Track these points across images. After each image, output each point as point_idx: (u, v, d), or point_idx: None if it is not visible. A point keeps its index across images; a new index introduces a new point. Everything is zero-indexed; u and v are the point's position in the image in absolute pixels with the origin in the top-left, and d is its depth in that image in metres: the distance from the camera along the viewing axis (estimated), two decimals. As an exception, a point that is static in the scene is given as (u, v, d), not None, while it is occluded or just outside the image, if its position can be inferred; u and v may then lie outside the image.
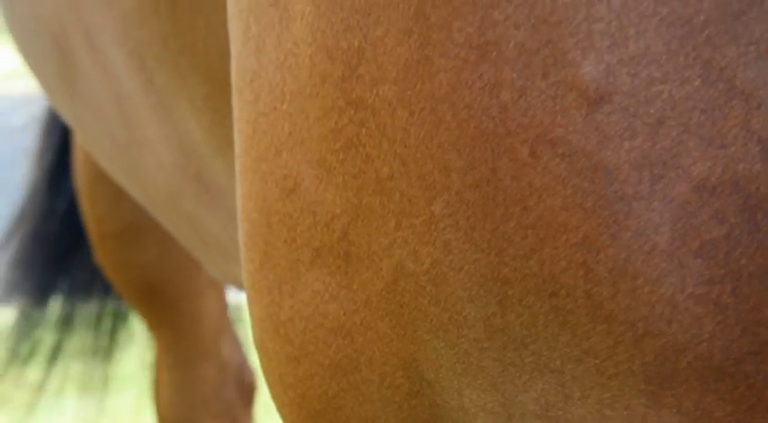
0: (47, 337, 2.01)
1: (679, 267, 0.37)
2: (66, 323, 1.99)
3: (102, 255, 1.69)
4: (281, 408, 0.51)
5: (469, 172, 0.39)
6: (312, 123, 0.45)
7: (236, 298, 2.04)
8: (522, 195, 0.39)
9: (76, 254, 1.92)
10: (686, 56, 0.36)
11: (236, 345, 1.83)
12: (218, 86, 0.75)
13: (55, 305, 1.98)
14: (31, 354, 2.03)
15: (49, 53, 1.00)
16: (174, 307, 1.73)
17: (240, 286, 1.12)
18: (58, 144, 1.85)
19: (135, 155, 0.97)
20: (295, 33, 0.45)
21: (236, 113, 0.51)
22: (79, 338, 2.01)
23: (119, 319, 2.01)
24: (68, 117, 1.11)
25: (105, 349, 2.02)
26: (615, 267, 0.38)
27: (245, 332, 2.01)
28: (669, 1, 0.36)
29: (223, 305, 1.79)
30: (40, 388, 2.05)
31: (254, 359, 2.02)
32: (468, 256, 0.40)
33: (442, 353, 0.43)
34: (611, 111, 0.37)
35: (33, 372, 2.06)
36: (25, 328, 2.01)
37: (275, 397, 0.51)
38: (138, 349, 2.11)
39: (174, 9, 0.73)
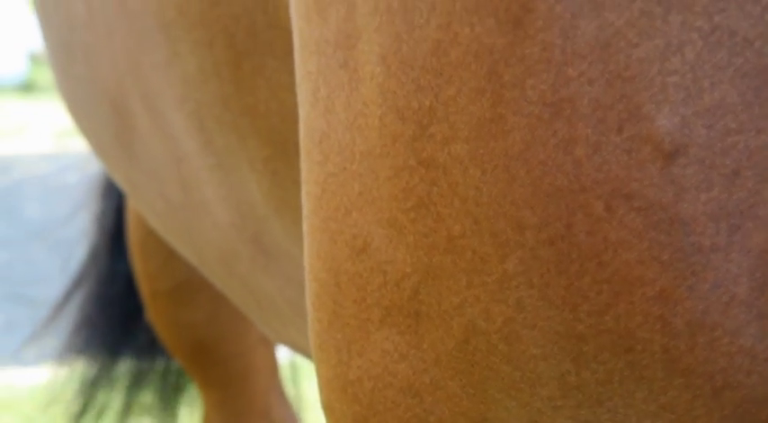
0: (112, 398, 2.02)
1: (758, 317, 0.37)
2: (132, 383, 2.00)
3: (153, 313, 1.71)
4: None
5: (544, 228, 0.40)
6: (382, 183, 0.45)
7: (286, 356, 2.04)
8: (598, 250, 0.39)
9: (140, 315, 1.93)
10: (761, 105, 0.37)
11: (286, 403, 1.83)
12: (278, 148, 0.76)
13: (121, 366, 1.99)
14: (99, 415, 2.03)
15: (105, 115, 1.01)
16: (224, 365, 1.73)
17: (295, 348, 1.12)
18: (117, 206, 1.88)
19: (190, 215, 0.98)
20: (365, 94, 0.46)
21: (304, 175, 0.52)
22: (145, 397, 2.01)
23: (183, 377, 2.02)
24: (121, 178, 1.12)
25: (170, 407, 2.02)
26: (693, 320, 0.38)
27: (295, 390, 2.01)
28: (743, 51, 0.37)
29: (273, 363, 1.79)
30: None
31: (303, 417, 2.01)
32: (541, 312, 0.41)
33: (513, 412, 0.43)
34: (687, 163, 0.38)
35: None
36: (91, 389, 2.02)
37: None
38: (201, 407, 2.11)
39: (236, 71, 0.74)
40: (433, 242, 0.43)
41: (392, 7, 0.45)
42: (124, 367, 1.99)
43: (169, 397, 2.02)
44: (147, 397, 2.02)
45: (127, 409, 2.01)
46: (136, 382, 2.00)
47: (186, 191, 0.94)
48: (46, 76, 5.76)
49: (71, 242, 2.03)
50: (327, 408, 0.51)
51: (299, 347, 1.09)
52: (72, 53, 1.02)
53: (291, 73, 0.70)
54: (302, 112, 0.52)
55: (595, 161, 0.39)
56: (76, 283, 1.95)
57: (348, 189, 0.47)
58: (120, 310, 1.93)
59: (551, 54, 0.40)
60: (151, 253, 1.67)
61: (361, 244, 0.47)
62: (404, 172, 0.44)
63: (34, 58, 6.03)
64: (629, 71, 0.38)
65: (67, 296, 1.96)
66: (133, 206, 1.67)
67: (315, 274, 0.50)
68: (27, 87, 5.76)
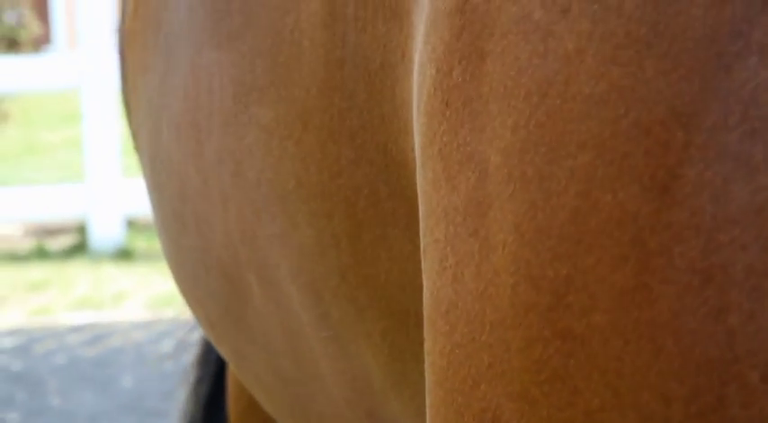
0: None
1: None
2: None
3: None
4: None
5: (693, 401, 0.39)
6: (514, 354, 0.45)
7: None
8: None
9: None
10: None
11: None
12: (397, 320, 0.76)
13: None
14: None
15: (216, 286, 1.02)
16: None
17: None
18: (215, 375, 1.89)
19: (301, 390, 0.97)
20: (496, 263, 0.46)
21: (428, 346, 0.52)
22: None
23: None
24: (227, 350, 1.13)
25: None
26: None
27: None
28: None
29: None
30: None
31: None
32: None
33: None
34: None
35: None
36: None
37: None
38: None
39: (356, 242, 0.75)
40: (569, 416, 0.43)
41: (527, 175, 0.46)
42: None
43: None
44: None
45: None
46: None
47: (299, 364, 0.94)
48: (143, 242, 5.90)
49: (164, 413, 2.04)
50: None
51: None
52: (184, 223, 1.04)
53: (413, 242, 0.70)
54: (427, 281, 0.52)
55: (750, 329, 0.38)
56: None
57: (477, 360, 0.47)
58: None
59: (701, 220, 0.40)
60: (252, 426, 1.66)
61: (489, 417, 0.46)
62: (537, 343, 0.44)
63: (131, 224, 6.18)
64: None
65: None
66: (235, 376, 1.68)
67: None
68: (123, 254, 5.90)
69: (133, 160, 1.37)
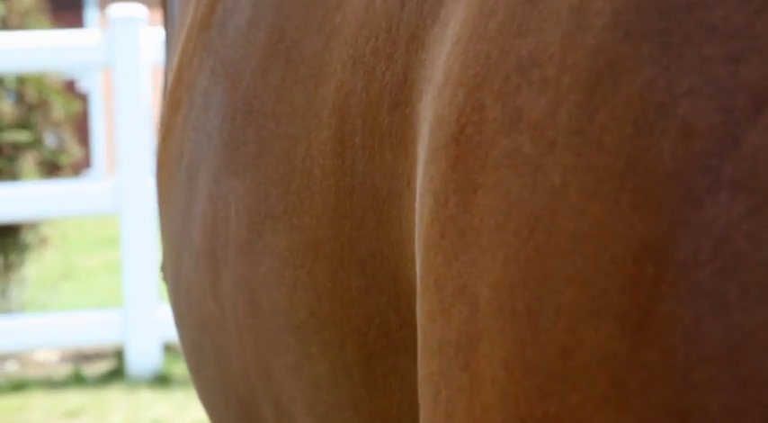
0: None
1: None
2: None
3: None
4: None
5: None
6: None
7: None
8: None
9: None
10: None
11: None
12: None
13: None
14: None
15: (234, 417, 1.02)
16: None
17: None
18: None
19: None
20: (485, 399, 0.47)
21: None
22: None
23: None
24: None
25: None
26: None
27: None
28: None
29: None
30: None
31: None
32: None
33: None
34: None
35: None
36: None
37: None
38: None
39: (368, 373, 0.75)
40: None
41: (516, 310, 0.46)
42: None
43: None
44: None
45: None
46: None
47: None
48: (180, 368, 5.88)
49: None
50: None
51: None
52: (203, 354, 1.05)
53: None
54: (423, 414, 0.53)
55: None
56: None
57: None
58: None
59: (675, 359, 0.40)
60: None
61: None
62: None
63: (168, 349, 6.18)
64: (764, 375, 0.38)
65: None
66: None
67: None
68: (161, 380, 5.88)
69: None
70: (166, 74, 1.46)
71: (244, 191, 0.88)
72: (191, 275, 1.02)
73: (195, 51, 1.02)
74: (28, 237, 6.59)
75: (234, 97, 0.90)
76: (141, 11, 4.68)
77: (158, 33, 4.63)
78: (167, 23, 1.49)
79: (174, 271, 1.11)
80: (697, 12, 0.43)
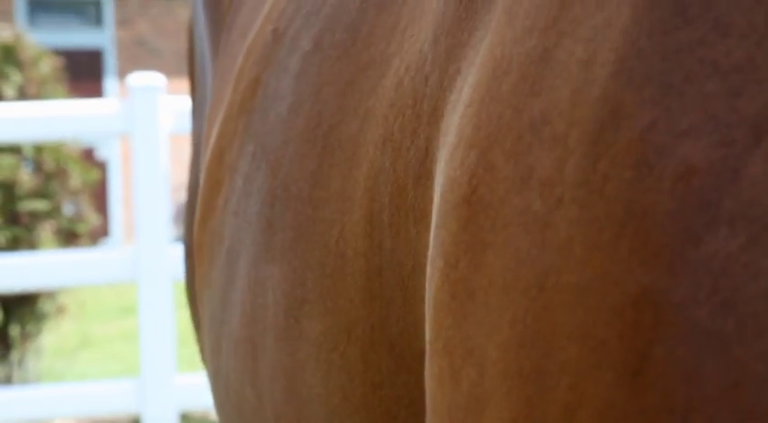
0: None
1: None
2: None
3: None
4: None
5: None
6: None
7: None
8: None
9: None
10: None
11: None
12: None
13: None
14: None
15: None
16: None
17: None
18: None
19: None
20: None
21: None
22: None
23: None
24: None
25: None
26: None
27: None
28: None
29: None
30: None
31: None
32: None
33: None
34: None
35: None
36: None
37: None
38: None
39: None
40: None
41: (523, 370, 0.46)
42: None
43: None
44: None
45: None
46: None
47: None
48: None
49: None
50: None
51: None
52: None
53: None
54: None
55: None
56: None
57: None
58: None
59: (675, 402, 0.39)
60: None
61: None
62: None
63: (185, 418, 6.17)
64: (764, 408, 0.38)
65: None
66: None
67: None
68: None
69: (187, 354, 1.38)
70: (193, 143, 1.47)
71: (281, 276, 0.88)
72: (229, 362, 1.02)
73: (236, 134, 1.04)
74: (45, 306, 6.61)
75: (273, 183, 0.92)
76: (160, 79, 4.73)
77: (178, 102, 4.67)
78: (195, 93, 1.51)
79: (213, 357, 1.11)
80: (699, 50, 0.43)
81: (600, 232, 0.44)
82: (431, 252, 0.59)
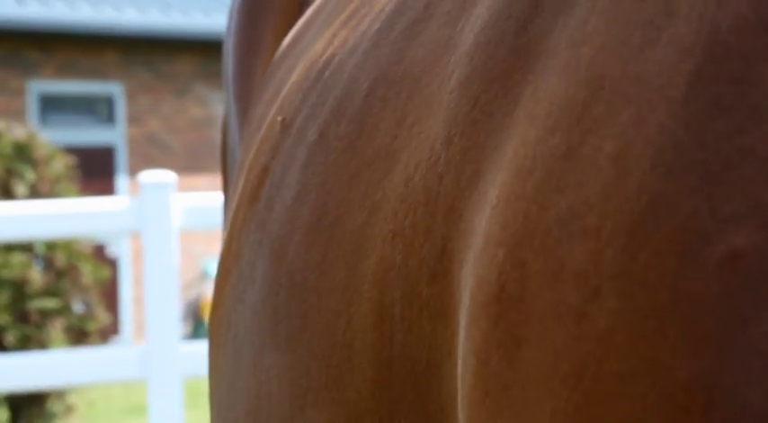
0: None
1: None
2: None
3: None
4: None
5: None
6: None
7: None
8: None
9: None
10: None
11: None
12: None
13: None
14: None
15: None
16: None
17: None
18: None
19: None
20: None
21: None
22: None
23: None
24: None
25: None
26: None
27: None
28: None
29: None
30: None
31: None
32: None
33: None
34: None
35: None
36: None
37: None
38: None
39: None
40: None
41: None
42: None
43: None
44: None
45: None
46: None
47: None
48: None
49: None
50: None
51: None
52: None
53: None
54: None
55: None
56: None
57: None
58: None
59: None
60: None
61: None
62: None
63: None
64: None
65: None
66: None
67: None
68: None
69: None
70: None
71: (286, 365, 0.89)
72: None
73: (244, 222, 1.05)
74: (54, 406, 6.58)
75: (278, 272, 0.92)
76: (171, 177, 4.76)
77: (188, 198, 4.70)
78: (227, 188, 1.54)
79: None
80: (736, 138, 0.44)
81: (644, 321, 0.45)
82: (461, 351, 0.59)
